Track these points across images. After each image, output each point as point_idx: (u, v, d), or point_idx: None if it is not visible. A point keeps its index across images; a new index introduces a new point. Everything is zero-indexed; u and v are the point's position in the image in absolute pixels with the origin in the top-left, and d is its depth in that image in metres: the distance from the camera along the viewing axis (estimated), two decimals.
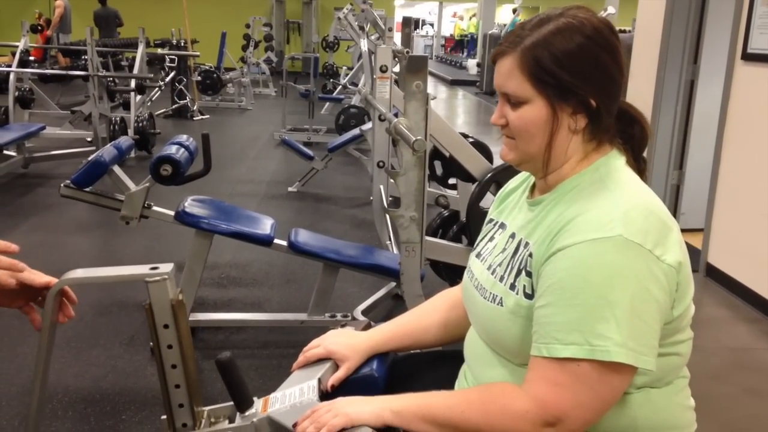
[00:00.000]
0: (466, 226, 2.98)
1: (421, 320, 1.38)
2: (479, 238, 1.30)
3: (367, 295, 3.15)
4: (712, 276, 3.76)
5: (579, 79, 1.05)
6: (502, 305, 1.10)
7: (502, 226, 1.23)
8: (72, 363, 2.61)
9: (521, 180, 1.29)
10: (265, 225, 2.83)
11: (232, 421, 1.17)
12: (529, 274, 1.07)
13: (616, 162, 1.12)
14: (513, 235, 1.17)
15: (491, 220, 1.29)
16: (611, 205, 1.03)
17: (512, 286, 1.10)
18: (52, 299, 1.11)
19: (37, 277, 1.12)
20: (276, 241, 2.75)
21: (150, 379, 2.51)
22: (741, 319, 3.33)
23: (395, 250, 3.53)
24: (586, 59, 1.05)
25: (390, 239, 3.83)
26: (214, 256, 3.42)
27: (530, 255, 1.08)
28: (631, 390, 1.06)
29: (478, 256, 1.25)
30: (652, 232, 1.01)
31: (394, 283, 3.05)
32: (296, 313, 2.91)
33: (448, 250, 3.06)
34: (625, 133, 1.15)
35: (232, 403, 1.18)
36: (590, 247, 1.00)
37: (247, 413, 1.15)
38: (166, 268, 1.08)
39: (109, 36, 12.06)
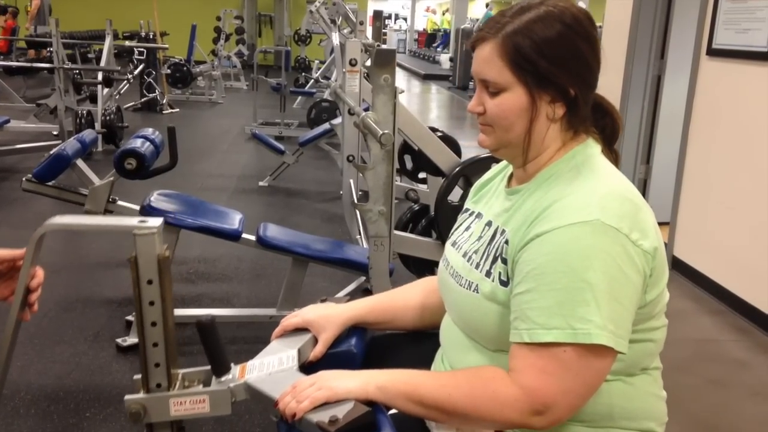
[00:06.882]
0: (435, 220, 2.99)
1: (400, 300, 1.38)
2: (455, 227, 1.30)
3: (337, 289, 3.14)
4: (677, 269, 3.82)
5: (558, 67, 1.06)
6: (477, 292, 1.11)
7: (479, 215, 1.23)
8: (35, 360, 2.56)
9: (498, 170, 1.29)
10: (233, 219, 2.80)
11: (207, 385, 1.14)
12: (504, 261, 1.08)
13: (592, 150, 1.13)
14: (489, 223, 1.17)
15: (467, 210, 1.30)
16: (588, 191, 1.04)
17: (488, 273, 1.10)
18: (33, 246, 1.06)
19: (10, 251, 1.08)
20: (244, 235, 2.73)
21: (115, 376, 2.48)
22: (705, 311, 3.38)
23: (365, 245, 3.53)
24: (566, 47, 1.06)
25: (360, 233, 3.82)
26: (182, 251, 3.40)
27: (506, 242, 1.08)
28: (608, 377, 1.07)
29: (453, 244, 1.25)
30: (628, 217, 1.02)
31: (364, 278, 3.04)
32: (265, 308, 2.90)
33: (416, 244, 3.06)
34: (597, 124, 1.16)
35: (208, 367, 1.15)
36: (568, 231, 1.00)
37: (223, 378, 1.14)
38: (155, 222, 1.05)
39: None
